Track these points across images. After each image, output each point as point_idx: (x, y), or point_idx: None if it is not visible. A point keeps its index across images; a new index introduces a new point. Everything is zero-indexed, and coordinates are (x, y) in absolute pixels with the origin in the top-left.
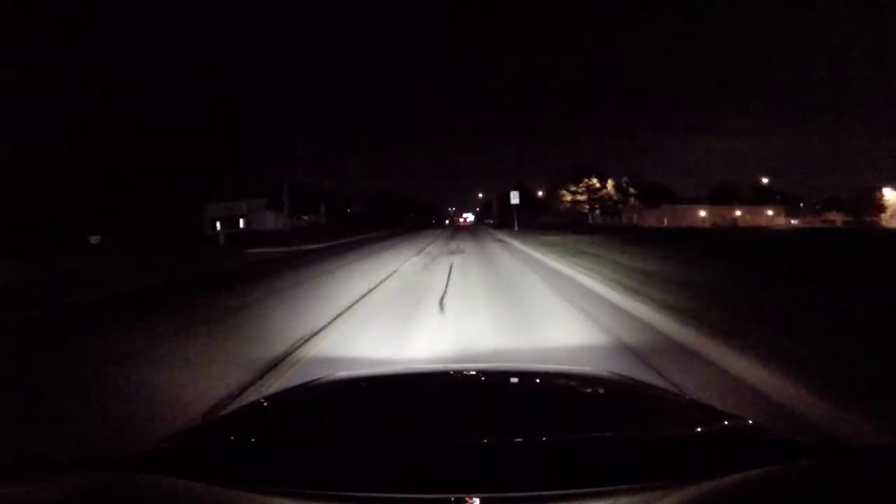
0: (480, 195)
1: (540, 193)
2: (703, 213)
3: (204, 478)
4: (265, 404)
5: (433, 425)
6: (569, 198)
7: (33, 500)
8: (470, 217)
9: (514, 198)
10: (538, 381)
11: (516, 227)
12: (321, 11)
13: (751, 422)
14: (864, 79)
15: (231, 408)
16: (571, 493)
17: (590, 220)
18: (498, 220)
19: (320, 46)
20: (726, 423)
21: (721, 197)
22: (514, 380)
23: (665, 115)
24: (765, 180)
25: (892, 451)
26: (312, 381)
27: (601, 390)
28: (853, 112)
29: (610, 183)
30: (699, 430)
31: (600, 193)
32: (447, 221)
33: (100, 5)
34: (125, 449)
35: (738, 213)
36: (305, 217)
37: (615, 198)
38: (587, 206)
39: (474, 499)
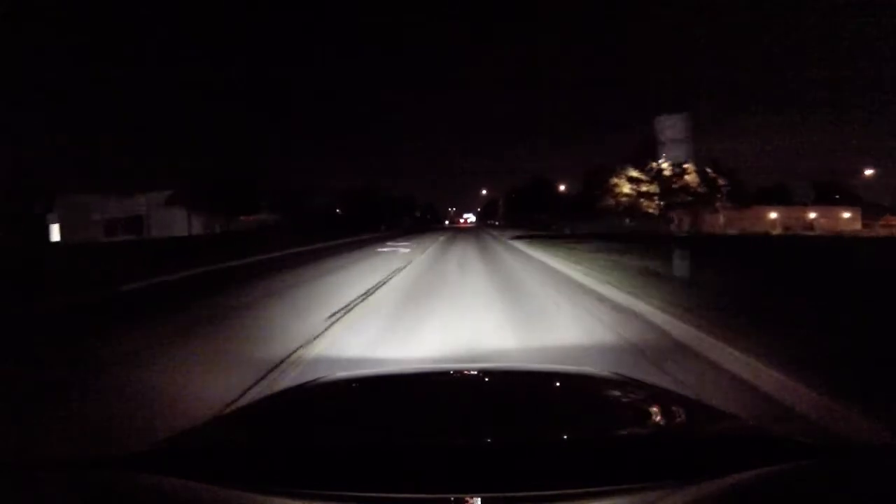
0: (484, 191)
1: (562, 188)
2: (773, 215)
3: (204, 478)
4: (265, 404)
5: (433, 425)
6: (627, 189)
7: (33, 500)
8: (471, 217)
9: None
10: (538, 381)
11: (686, 277)
12: (320, 11)
13: (751, 422)
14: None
15: (231, 408)
16: (571, 493)
17: (671, 226)
18: (504, 221)
19: (319, 46)
20: (726, 423)
21: (773, 198)
22: (514, 380)
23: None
24: (869, 171)
25: (893, 451)
26: (312, 381)
27: (601, 390)
28: (853, 111)
29: (689, 167)
30: (699, 430)
31: (679, 183)
32: (447, 222)
33: None
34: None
35: (812, 214)
36: (243, 217)
37: (699, 189)
38: (656, 203)
39: (474, 499)
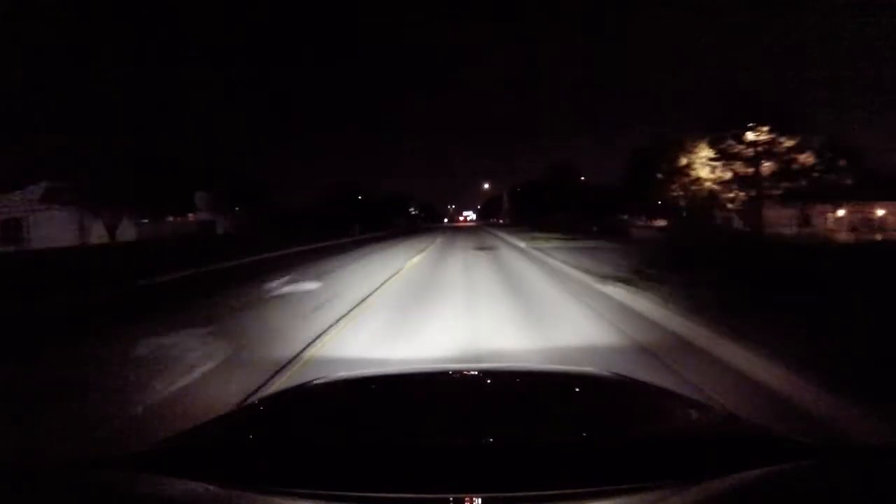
0: (486, 185)
1: (582, 178)
2: (841, 213)
3: (204, 478)
4: (265, 404)
5: (433, 425)
6: (705, 173)
7: (34, 500)
8: (471, 215)
9: None
10: (538, 381)
11: None
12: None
13: (752, 422)
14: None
15: (231, 408)
16: (571, 493)
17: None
18: (509, 219)
19: (316, 45)
20: (727, 423)
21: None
22: (514, 380)
23: (664, 113)
24: None
25: (893, 451)
26: (312, 381)
27: (601, 390)
28: (853, 111)
29: (791, 142)
30: (699, 430)
31: (795, 163)
32: (445, 220)
33: None
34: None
35: (880, 212)
36: (173, 218)
37: (815, 173)
38: (745, 193)
39: (474, 499)
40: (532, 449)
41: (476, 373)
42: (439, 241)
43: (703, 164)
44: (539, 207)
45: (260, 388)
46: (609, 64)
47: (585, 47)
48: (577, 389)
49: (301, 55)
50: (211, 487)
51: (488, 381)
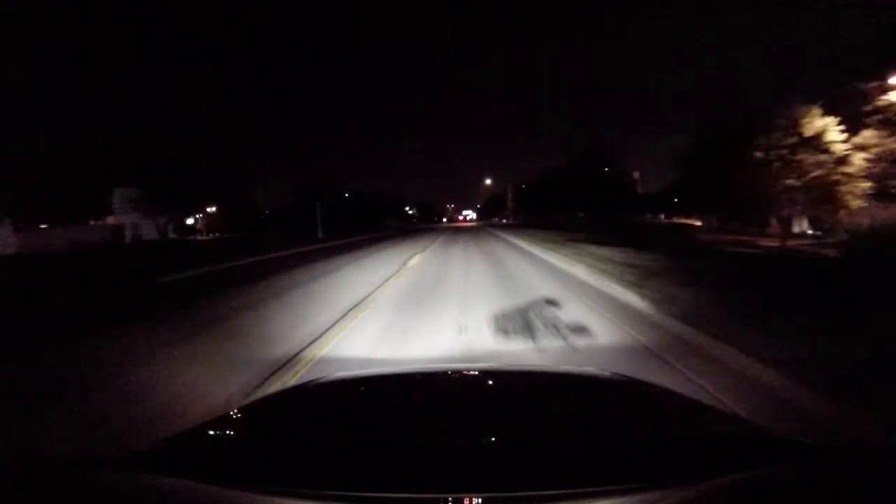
0: (488, 181)
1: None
2: None
3: (204, 478)
4: (265, 404)
5: (433, 425)
6: (840, 146)
7: (34, 500)
8: (471, 214)
9: None
10: (538, 381)
11: None
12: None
13: (752, 422)
14: None
15: (231, 408)
16: (571, 493)
17: None
18: (514, 219)
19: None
20: (726, 423)
21: None
22: (514, 380)
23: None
24: None
25: (893, 452)
26: (312, 381)
27: (602, 390)
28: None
29: None
30: (699, 430)
31: None
32: (444, 220)
33: None
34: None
35: None
36: (112, 218)
37: None
38: None
39: (474, 499)
40: (532, 449)
41: (476, 373)
42: (415, 263)
43: (832, 133)
44: (542, 207)
45: None
46: (609, 64)
47: (585, 47)
48: (577, 389)
49: (301, 55)
50: (210, 487)
51: (488, 382)
